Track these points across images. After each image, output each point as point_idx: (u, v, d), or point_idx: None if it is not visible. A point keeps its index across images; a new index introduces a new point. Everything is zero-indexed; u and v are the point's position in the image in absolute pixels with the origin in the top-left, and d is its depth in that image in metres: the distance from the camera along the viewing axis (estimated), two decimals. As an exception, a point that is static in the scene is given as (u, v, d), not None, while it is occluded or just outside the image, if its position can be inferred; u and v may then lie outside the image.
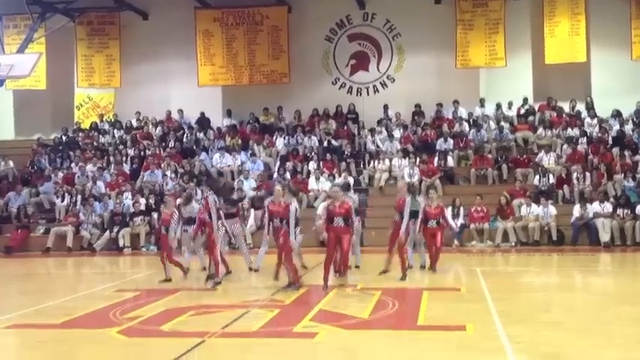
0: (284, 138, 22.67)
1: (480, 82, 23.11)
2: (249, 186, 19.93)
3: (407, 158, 20.65)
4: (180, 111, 24.11)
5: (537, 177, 19.38)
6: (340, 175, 20.22)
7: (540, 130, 21.39)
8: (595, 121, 21.49)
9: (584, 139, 20.78)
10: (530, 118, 22.12)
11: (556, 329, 7.77)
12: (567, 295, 10.20)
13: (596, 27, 21.97)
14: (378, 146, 21.83)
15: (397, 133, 22.20)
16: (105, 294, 10.80)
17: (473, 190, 19.38)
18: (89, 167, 21.89)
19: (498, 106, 22.45)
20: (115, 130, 24.34)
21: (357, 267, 13.01)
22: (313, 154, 21.58)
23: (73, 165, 22.48)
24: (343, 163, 20.98)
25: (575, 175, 19.13)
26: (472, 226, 18.08)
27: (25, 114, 25.24)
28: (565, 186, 18.97)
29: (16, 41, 23.01)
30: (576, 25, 22.03)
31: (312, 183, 19.96)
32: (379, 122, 22.80)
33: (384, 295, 10.08)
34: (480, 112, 22.57)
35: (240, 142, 22.65)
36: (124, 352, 7.29)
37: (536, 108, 22.44)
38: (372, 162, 21.14)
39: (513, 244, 17.62)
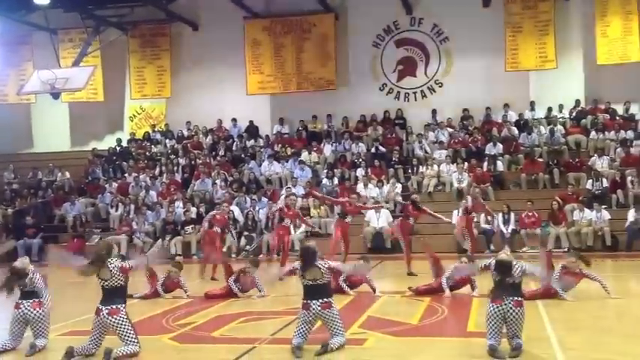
0: (332, 145, 22.76)
1: (530, 85, 22.80)
2: (297, 193, 20.07)
3: (455, 163, 20.51)
4: (234, 120, 24.46)
5: (590, 181, 18.99)
6: (388, 182, 20.19)
7: (593, 133, 20.98)
8: (650, 122, 20.99)
9: (639, 142, 20.29)
10: (583, 120, 21.71)
11: (610, 336, 7.64)
12: (622, 302, 9.97)
13: (650, 26, 21.47)
14: (426, 152, 21.73)
15: (445, 138, 22.07)
16: (158, 301, 11.02)
17: (524, 195, 19.12)
18: (142, 177, 22.36)
19: (550, 110, 22.11)
20: (167, 140, 24.82)
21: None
22: (361, 160, 21.60)
23: (126, 175, 23.00)
24: (391, 170, 20.95)
25: (629, 178, 18.70)
26: (523, 231, 17.84)
27: (80, 125, 25.96)
28: (619, 190, 18.55)
29: (72, 55, 23.69)
30: (629, 25, 21.53)
31: (360, 189, 19.96)
32: (427, 127, 22.71)
33: (433, 302, 10.05)
34: (531, 116, 22.26)
35: (288, 149, 22.86)
36: (176, 358, 7.44)
37: (589, 110, 22.01)
38: (420, 168, 21.03)
39: (566, 249, 17.28)
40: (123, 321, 7.09)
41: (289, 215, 14.24)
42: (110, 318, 7.02)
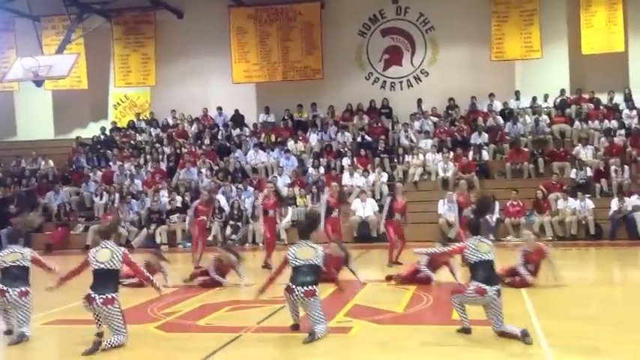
0: (317, 134, 22.73)
1: (515, 75, 22.88)
2: (283, 182, 20.07)
3: (441, 153, 20.55)
4: (220, 108, 24.34)
5: (574, 170, 19.12)
6: (374, 171, 20.21)
7: (577, 123, 21.10)
8: (634, 112, 21.13)
9: (623, 131, 20.45)
10: (567, 110, 21.83)
11: (593, 323, 7.71)
12: (605, 290, 10.08)
13: (634, 16, 21.58)
14: (411, 141, 21.75)
15: (430, 128, 22.10)
16: (143, 290, 10.95)
17: (508, 185, 19.22)
18: (127, 165, 22.23)
19: (534, 99, 22.20)
20: (152, 129, 24.67)
21: None
22: (347, 149, 21.60)
23: (111, 163, 22.86)
24: (377, 159, 20.96)
25: (613, 167, 18.84)
26: (508, 220, 17.94)
27: (63, 113, 25.72)
28: (603, 179, 18.70)
29: (55, 42, 23.39)
30: (613, 15, 21.63)
31: (345, 179, 19.97)
32: (412, 116, 22.72)
33: (419, 290, 10.09)
34: (516, 105, 22.34)
35: (274, 138, 22.80)
36: (161, 346, 7.42)
37: (573, 100, 22.13)
38: (405, 157, 21.06)
39: (550, 238, 17.39)
40: (116, 312, 7.00)
41: (269, 206, 13.99)
42: (104, 308, 6.94)
